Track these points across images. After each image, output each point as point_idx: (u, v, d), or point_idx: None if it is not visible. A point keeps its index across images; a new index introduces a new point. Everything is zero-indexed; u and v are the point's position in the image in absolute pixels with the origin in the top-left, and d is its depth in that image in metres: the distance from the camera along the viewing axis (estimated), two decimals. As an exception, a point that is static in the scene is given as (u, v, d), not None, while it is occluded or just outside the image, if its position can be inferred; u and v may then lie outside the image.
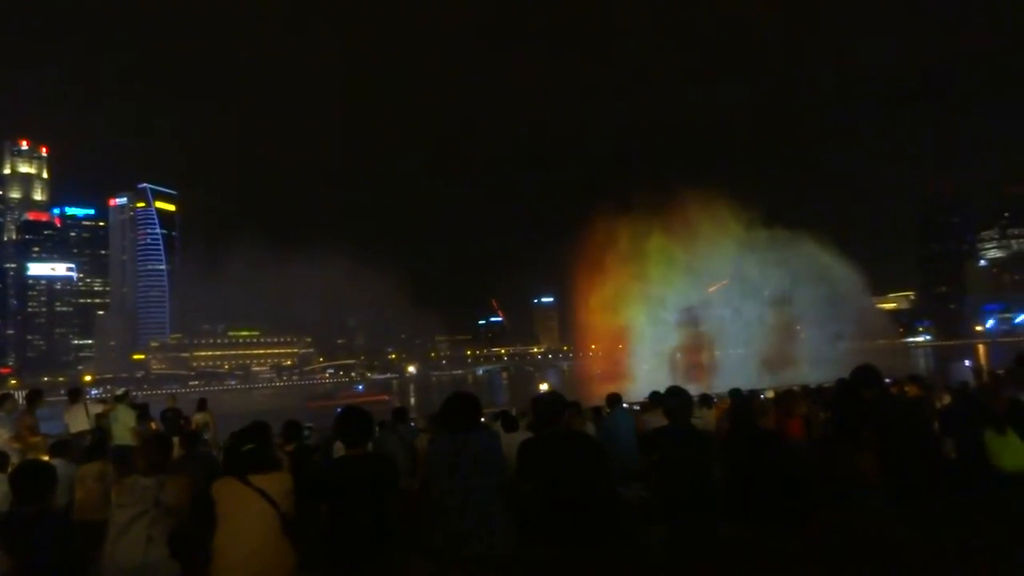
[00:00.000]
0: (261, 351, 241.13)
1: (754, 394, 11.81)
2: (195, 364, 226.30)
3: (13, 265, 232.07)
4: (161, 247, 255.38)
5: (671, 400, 5.35)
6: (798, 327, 54.30)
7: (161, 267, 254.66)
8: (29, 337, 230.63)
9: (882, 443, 5.31)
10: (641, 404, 15.18)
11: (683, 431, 5.12)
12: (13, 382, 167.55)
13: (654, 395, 10.78)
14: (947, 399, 9.40)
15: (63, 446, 9.18)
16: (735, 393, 11.95)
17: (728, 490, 4.94)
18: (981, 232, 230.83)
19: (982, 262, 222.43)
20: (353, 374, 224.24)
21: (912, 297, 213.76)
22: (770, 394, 16.63)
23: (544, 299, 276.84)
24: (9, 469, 6.60)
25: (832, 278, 50.45)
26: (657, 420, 8.12)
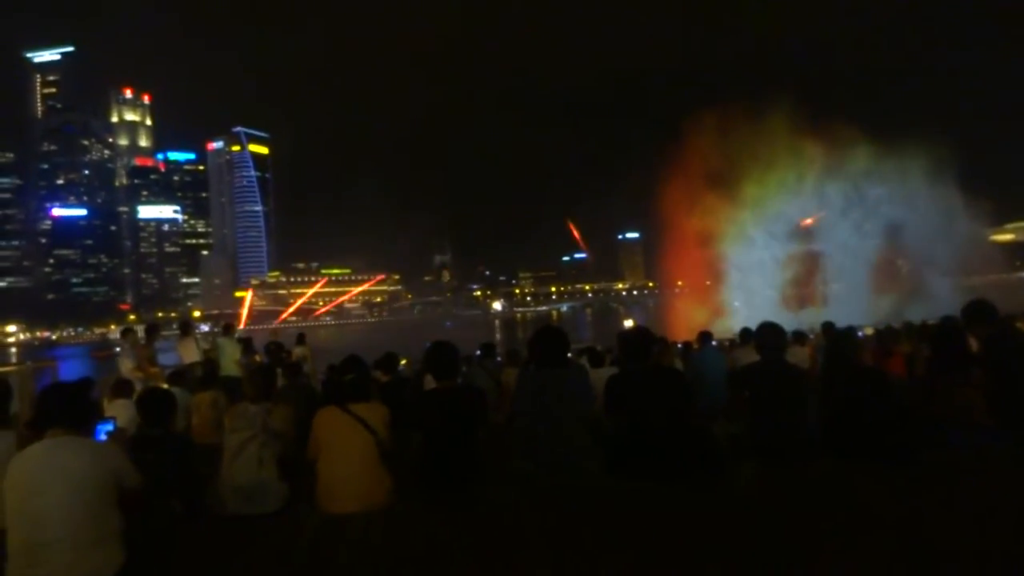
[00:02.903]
0: (353, 288, 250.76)
1: (852, 330, 11.29)
2: (292, 301, 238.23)
3: (125, 209, 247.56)
4: (256, 189, 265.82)
5: (763, 335, 5.18)
6: (900, 261, 50.90)
7: (257, 208, 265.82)
8: (143, 276, 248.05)
9: (992, 382, 5.00)
10: (731, 341, 14.90)
11: (776, 367, 4.97)
12: (131, 317, 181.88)
13: (745, 331, 10.53)
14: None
15: (179, 375, 9.90)
16: (828, 327, 11.51)
17: (824, 426, 4.80)
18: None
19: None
20: (440, 310, 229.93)
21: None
22: (869, 331, 15.94)
23: (629, 235, 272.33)
24: (134, 396, 7.20)
25: (943, 205, 46.43)
26: (748, 357, 7.94)
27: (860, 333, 14.82)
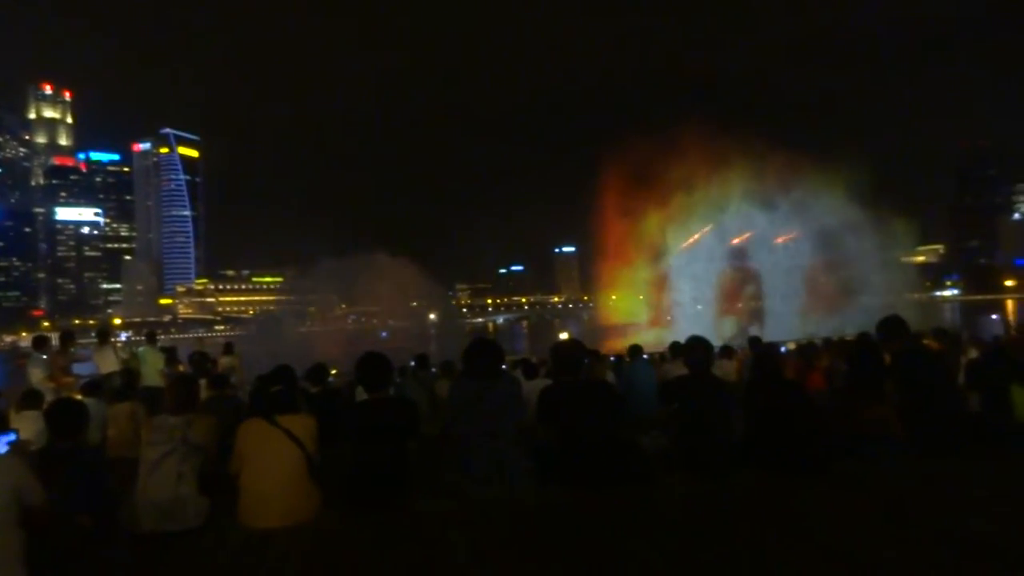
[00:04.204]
0: (284, 297, 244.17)
1: (773, 346, 11.74)
2: (220, 309, 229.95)
3: (42, 210, 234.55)
4: (185, 193, 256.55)
5: (691, 350, 5.33)
6: (826, 279, 52.74)
7: (185, 213, 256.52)
8: (59, 281, 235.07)
9: (902, 396, 5.27)
10: (662, 354, 15.23)
11: (703, 380, 5.11)
12: (45, 324, 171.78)
13: (675, 345, 10.79)
14: (973, 353, 9.27)
15: (95, 386, 9.42)
16: (755, 342, 11.91)
17: (747, 438, 4.95)
18: (1017, 185, 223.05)
19: (1016, 216, 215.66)
20: (375, 321, 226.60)
21: (941, 251, 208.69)
22: (791, 346, 16.57)
23: (565, 248, 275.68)
24: (44, 407, 6.80)
25: (854, 230, 48.38)
26: (678, 370, 8.13)
27: (783, 348, 15.42)
